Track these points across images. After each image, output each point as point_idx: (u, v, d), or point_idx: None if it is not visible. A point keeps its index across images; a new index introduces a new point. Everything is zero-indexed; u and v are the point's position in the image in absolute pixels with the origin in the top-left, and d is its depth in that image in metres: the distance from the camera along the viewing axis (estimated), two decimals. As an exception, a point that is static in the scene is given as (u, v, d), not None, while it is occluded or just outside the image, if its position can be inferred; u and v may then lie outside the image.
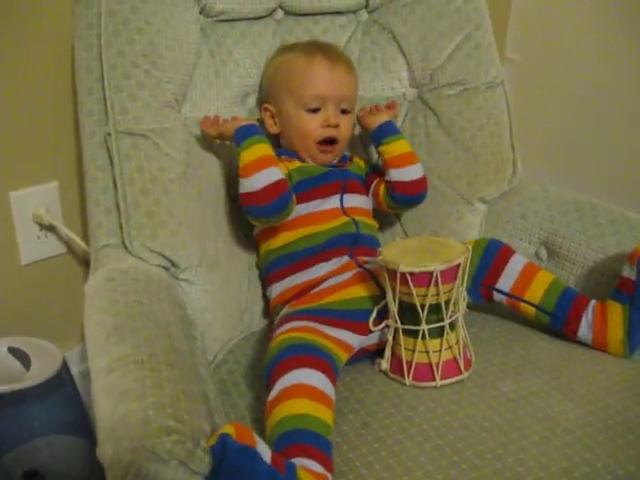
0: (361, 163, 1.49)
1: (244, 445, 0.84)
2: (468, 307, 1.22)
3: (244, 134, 1.27)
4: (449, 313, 1.15)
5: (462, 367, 1.16)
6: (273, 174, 1.23)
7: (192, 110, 1.34)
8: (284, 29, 1.49)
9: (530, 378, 1.16)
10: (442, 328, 1.15)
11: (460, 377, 1.15)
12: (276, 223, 1.29)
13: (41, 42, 1.35)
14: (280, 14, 1.49)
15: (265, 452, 0.87)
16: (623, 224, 1.34)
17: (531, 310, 1.27)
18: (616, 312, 1.21)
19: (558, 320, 1.25)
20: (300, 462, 0.91)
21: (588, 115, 1.97)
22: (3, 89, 1.33)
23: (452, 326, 1.16)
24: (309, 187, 1.35)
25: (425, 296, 1.13)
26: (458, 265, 1.13)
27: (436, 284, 1.12)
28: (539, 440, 1.00)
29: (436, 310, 1.14)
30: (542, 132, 2.06)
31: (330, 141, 1.39)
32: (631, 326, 1.20)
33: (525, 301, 1.27)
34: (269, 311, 1.39)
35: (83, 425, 1.36)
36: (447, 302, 1.15)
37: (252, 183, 1.22)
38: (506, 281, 1.28)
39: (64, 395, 1.35)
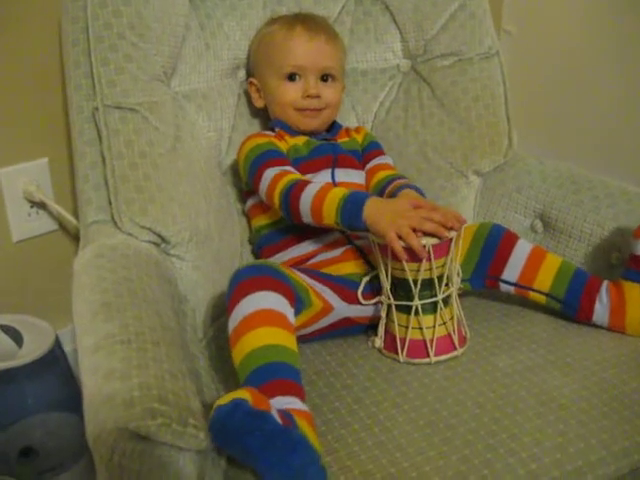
0: (359, 137, 1.47)
1: (260, 410, 0.84)
2: (468, 292, 1.20)
3: None
4: (442, 288, 1.14)
5: (457, 343, 1.15)
6: None
7: (181, 83, 1.33)
8: (275, 0, 1.47)
9: (525, 353, 1.15)
10: (435, 304, 1.14)
11: (454, 353, 1.14)
12: None
13: (28, 17, 1.34)
14: (270, -16, 1.47)
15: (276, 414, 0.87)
16: (619, 197, 1.33)
17: (541, 298, 1.24)
18: (635, 292, 1.18)
19: (570, 307, 1.22)
20: (283, 402, 0.92)
21: (585, 88, 1.95)
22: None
23: (446, 302, 1.15)
24: (299, 163, 1.34)
25: (418, 271, 1.11)
26: (451, 239, 1.12)
27: (429, 259, 1.10)
28: (533, 415, 0.99)
29: (429, 285, 1.13)
30: (539, 104, 2.04)
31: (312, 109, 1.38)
32: None
33: (534, 290, 1.23)
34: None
35: (76, 402, 1.34)
36: (440, 277, 1.13)
37: None
38: (512, 271, 1.23)
39: (57, 372, 1.35)
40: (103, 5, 1.17)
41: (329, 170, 1.35)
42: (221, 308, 1.28)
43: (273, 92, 1.38)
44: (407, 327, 1.14)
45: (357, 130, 1.49)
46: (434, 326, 1.13)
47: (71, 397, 1.36)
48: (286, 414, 0.89)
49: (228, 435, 0.83)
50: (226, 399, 0.85)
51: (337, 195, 1.16)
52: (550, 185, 1.40)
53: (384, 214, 1.12)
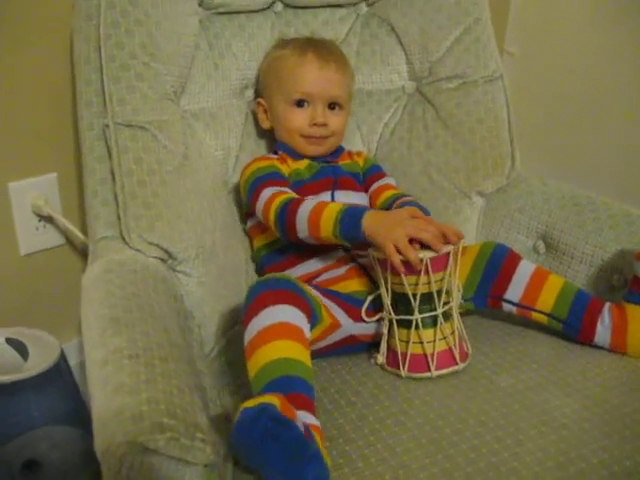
0: (360, 160, 1.49)
1: (287, 417, 0.85)
2: (471, 312, 1.21)
3: None
4: (441, 302, 1.15)
5: (458, 358, 1.15)
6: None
7: (190, 102, 1.34)
8: (283, 22, 1.50)
9: (527, 372, 1.16)
10: (435, 318, 1.14)
11: (456, 367, 1.15)
12: None
13: (40, 33, 1.35)
14: (279, 7, 1.49)
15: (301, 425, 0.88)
16: (621, 218, 1.34)
17: (543, 318, 1.24)
18: (637, 314, 1.18)
19: (572, 328, 1.22)
20: (298, 416, 0.92)
21: (587, 109, 1.96)
22: (2, 80, 1.33)
23: (446, 316, 1.16)
24: (301, 185, 1.36)
25: (416, 285, 1.12)
26: (448, 253, 1.13)
27: (427, 272, 1.12)
28: (535, 435, 1.00)
29: (428, 300, 1.14)
30: (541, 126, 2.05)
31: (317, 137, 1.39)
32: None
33: (537, 310, 1.24)
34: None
35: (81, 416, 1.37)
36: (439, 291, 1.14)
37: None
38: (515, 291, 1.24)
39: (62, 386, 1.35)
40: (116, 25, 1.19)
41: (329, 192, 1.37)
42: (226, 324, 1.29)
43: (280, 116, 1.39)
44: (408, 342, 1.15)
45: (358, 154, 1.50)
46: (434, 340, 1.14)
47: (75, 411, 1.36)
48: (306, 427, 0.90)
49: (252, 438, 0.84)
50: (254, 402, 0.85)
51: (335, 208, 1.18)
52: (552, 206, 1.41)
53: (383, 224, 1.13)
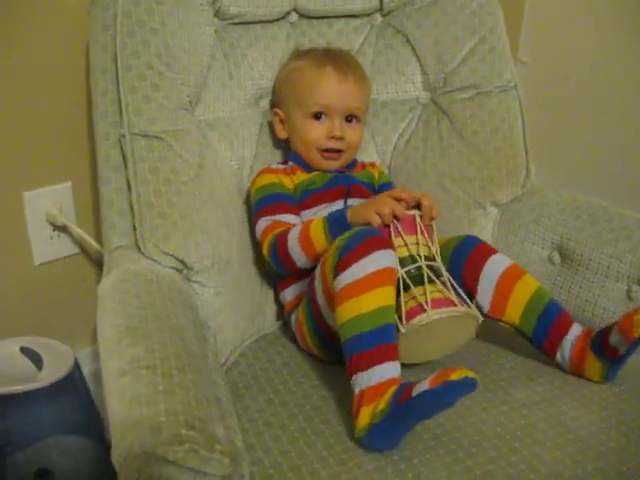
0: (375, 172, 1.49)
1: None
2: (484, 324, 1.19)
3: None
4: (422, 259, 1.16)
5: (456, 302, 1.12)
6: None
7: (205, 112, 1.34)
8: (298, 32, 1.50)
9: (542, 384, 1.16)
10: (421, 275, 1.14)
11: (455, 309, 1.10)
12: None
13: (55, 43, 1.35)
14: (294, 17, 1.49)
15: None
16: (637, 229, 1.33)
17: (509, 328, 1.25)
18: (595, 365, 1.16)
19: (538, 340, 1.22)
20: (386, 369, 1.01)
21: (600, 118, 1.96)
22: (17, 90, 1.34)
23: (432, 278, 1.15)
24: (313, 193, 1.37)
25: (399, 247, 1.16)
26: (414, 216, 1.18)
27: (398, 235, 1.17)
28: (552, 447, 1.00)
29: (412, 261, 1.16)
30: (554, 135, 2.05)
31: (334, 151, 1.40)
32: (609, 378, 1.16)
33: (503, 322, 1.24)
34: (282, 314, 1.39)
35: (93, 425, 1.37)
36: (419, 255, 1.17)
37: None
38: (484, 297, 1.24)
39: (75, 395, 1.35)
40: (132, 35, 1.20)
41: (342, 200, 1.37)
42: (241, 335, 1.30)
43: (297, 127, 1.39)
44: (402, 304, 1.12)
45: (372, 165, 1.51)
46: (425, 293, 1.11)
47: (87, 420, 1.36)
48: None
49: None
50: (458, 375, 0.91)
51: (318, 220, 1.23)
52: (567, 217, 1.41)
53: (364, 207, 1.21)
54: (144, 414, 0.82)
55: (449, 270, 1.20)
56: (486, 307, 1.24)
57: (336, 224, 1.20)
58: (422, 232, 1.18)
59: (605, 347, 1.14)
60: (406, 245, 1.16)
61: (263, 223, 1.32)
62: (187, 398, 0.86)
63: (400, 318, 1.10)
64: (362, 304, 1.04)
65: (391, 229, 1.17)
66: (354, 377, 1.03)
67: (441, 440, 1.01)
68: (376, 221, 1.16)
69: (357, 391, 1.02)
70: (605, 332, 1.14)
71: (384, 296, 1.05)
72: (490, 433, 1.03)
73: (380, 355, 1.02)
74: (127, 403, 0.84)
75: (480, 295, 1.24)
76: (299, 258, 1.25)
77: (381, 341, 1.03)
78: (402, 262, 1.15)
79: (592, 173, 1.98)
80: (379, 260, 1.06)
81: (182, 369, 0.91)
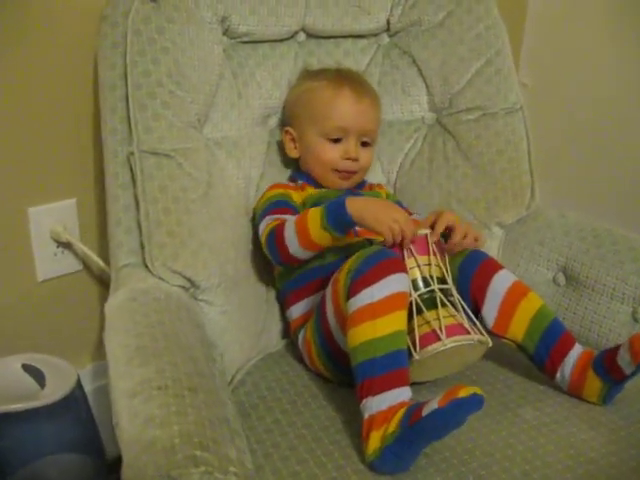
0: (382, 192, 1.49)
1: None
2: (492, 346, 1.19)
3: None
4: (435, 282, 1.15)
5: (469, 330, 1.11)
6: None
7: (213, 130, 1.34)
8: (306, 51, 1.50)
9: (551, 405, 1.16)
10: (434, 299, 1.14)
11: (469, 337, 1.10)
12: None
13: (61, 59, 1.35)
14: (302, 37, 1.50)
15: None
16: (642, 251, 1.33)
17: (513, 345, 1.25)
18: (595, 385, 1.16)
19: (539, 358, 1.22)
20: (398, 394, 1.01)
21: (601, 140, 1.97)
22: (23, 105, 1.33)
23: (444, 302, 1.14)
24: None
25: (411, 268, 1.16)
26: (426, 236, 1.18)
27: (411, 255, 1.16)
28: (563, 469, 1.00)
29: (425, 284, 1.16)
30: (555, 156, 2.06)
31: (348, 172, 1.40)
32: (607, 399, 1.17)
33: (506, 339, 1.24)
34: (288, 332, 1.39)
35: (94, 444, 1.36)
36: (432, 277, 1.16)
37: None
38: (489, 312, 1.24)
39: (77, 414, 1.34)
40: (142, 54, 1.20)
41: None
42: (248, 354, 1.29)
43: (311, 148, 1.40)
44: (414, 328, 1.11)
45: (379, 186, 1.52)
46: (439, 318, 1.11)
47: (89, 439, 1.35)
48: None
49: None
50: (466, 392, 0.91)
51: (316, 209, 1.21)
52: (572, 238, 1.41)
53: (375, 211, 1.18)
54: (157, 436, 0.81)
55: (457, 284, 1.20)
56: (490, 323, 1.23)
57: (334, 214, 1.19)
58: (434, 253, 1.18)
59: (610, 367, 1.14)
60: (418, 266, 1.16)
61: (265, 222, 1.30)
62: (200, 419, 0.86)
63: (414, 343, 1.10)
64: (375, 328, 1.04)
65: (404, 251, 1.16)
66: (364, 401, 1.03)
67: (451, 463, 1.01)
68: (389, 240, 1.16)
69: (367, 416, 1.02)
70: (611, 352, 1.14)
71: (397, 321, 1.05)
72: (499, 455, 1.03)
73: (392, 380, 1.02)
74: (139, 425, 0.84)
75: (485, 310, 1.24)
76: (292, 243, 1.23)
77: (393, 366, 1.03)
78: (414, 284, 1.15)
79: (595, 194, 1.99)
80: (393, 284, 1.06)
81: (193, 390, 0.91)
